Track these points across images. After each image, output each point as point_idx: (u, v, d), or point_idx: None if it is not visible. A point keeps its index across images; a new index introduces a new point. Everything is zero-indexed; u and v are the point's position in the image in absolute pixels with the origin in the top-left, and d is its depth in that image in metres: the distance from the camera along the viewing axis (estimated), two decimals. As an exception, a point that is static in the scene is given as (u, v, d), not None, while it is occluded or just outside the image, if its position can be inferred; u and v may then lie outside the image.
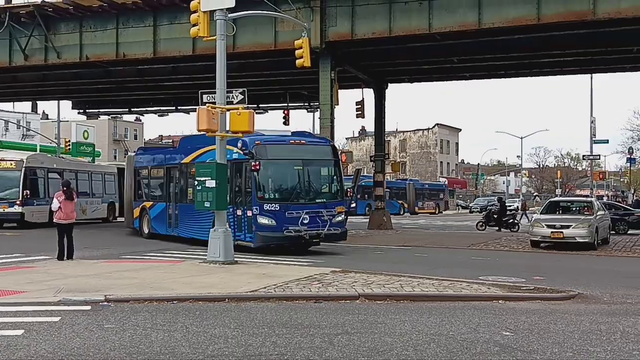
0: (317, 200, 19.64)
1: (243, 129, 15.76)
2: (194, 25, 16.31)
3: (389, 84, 35.20)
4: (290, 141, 19.91)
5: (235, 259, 15.65)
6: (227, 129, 15.92)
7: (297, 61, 19.26)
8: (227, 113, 15.89)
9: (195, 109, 16.43)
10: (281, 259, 17.43)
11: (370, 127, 35.82)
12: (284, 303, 10.61)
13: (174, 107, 43.52)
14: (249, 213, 18.80)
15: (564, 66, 32.05)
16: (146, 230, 25.22)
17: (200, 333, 8.22)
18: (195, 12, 16.16)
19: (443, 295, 11.32)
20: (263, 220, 18.51)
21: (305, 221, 18.78)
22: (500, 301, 11.14)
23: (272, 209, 18.60)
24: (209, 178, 15.57)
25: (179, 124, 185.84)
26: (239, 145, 18.75)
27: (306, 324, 8.87)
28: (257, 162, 18.41)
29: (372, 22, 25.23)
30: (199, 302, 10.52)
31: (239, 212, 19.25)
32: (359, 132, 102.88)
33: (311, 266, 15.56)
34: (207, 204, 15.68)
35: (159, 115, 46.41)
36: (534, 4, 22.71)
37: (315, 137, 22.56)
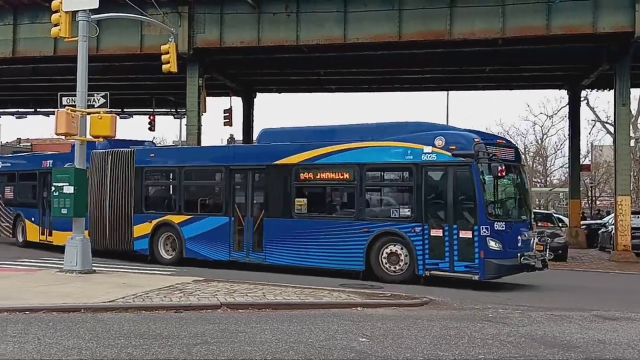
0: (523, 218, 15.93)
1: (104, 133, 15.31)
2: (56, 25, 15.68)
3: (258, 94, 35.39)
4: (497, 141, 16.20)
5: (94, 268, 15.15)
6: (88, 133, 15.41)
7: (164, 66, 18.95)
8: (88, 117, 15.37)
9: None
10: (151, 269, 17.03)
11: (239, 135, 35.80)
12: (143, 313, 10.40)
13: (33, 110, 41.54)
14: (466, 234, 14.44)
15: (424, 83, 33.59)
16: (168, 256, 18.89)
17: (53, 344, 7.91)
18: (57, 12, 15.54)
19: (304, 303, 11.53)
20: (493, 244, 14.34)
21: (519, 244, 15.07)
22: (358, 308, 11.49)
23: (501, 229, 14.51)
24: (67, 184, 15.01)
25: (38, 127, 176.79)
26: (438, 143, 14.77)
27: (165, 334, 8.76)
28: (496, 167, 14.26)
29: (241, 31, 25.27)
30: (53, 313, 10.12)
31: (436, 233, 14.84)
32: (227, 140, 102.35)
33: (173, 275, 15.33)
34: (64, 211, 15.11)
35: (17, 117, 44.16)
36: (395, 22, 23.62)
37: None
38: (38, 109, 41.56)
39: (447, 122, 44.11)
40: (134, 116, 41.65)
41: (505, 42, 23.90)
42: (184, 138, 37.40)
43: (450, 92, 39.33)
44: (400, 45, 25.12)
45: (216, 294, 11.96)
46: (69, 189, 14.97)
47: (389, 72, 30.76)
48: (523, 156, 68.17)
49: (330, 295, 12.42)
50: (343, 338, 8.80)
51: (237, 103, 34.60)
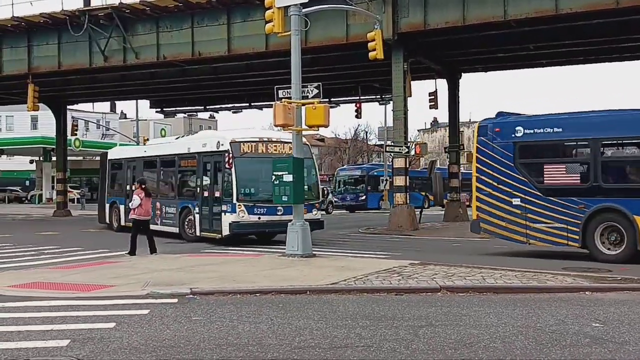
0: None
1: (319, 122, 15.84)
2: (269, 21, 16.47)
3: (463, 74, 34.66)
4: None
5: (314, 252, 15.77)
6: (303, 123, 16.05)
7: (370, 54, 19.23)
8: (303, 108, 16.00)
9: (269, 104, 16.75)
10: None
11: (442, 118, 35.56)
12: (365, 295, 10.63)
13: (247, 104, 44.02)
14: None
15: (646, 50, 30.84)
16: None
17: (285, 325, 8.33)
18: (269, 8, 16.32)
19: (527, 287, 11.10)
20: None
21: None
22: (586, 292, 10.85)
23: None
24: (286, 172, 15.77)
25: (252, 121, 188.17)
26: None
27: (389, 316, 8.87)
28: None
29: (445, 11, 24.87)
30: (281, 295, 10.66)
31: None
32: (431, 123, 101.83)
33: (389, 259, 15.53)
34: (284, 198, 15.91)
35: (232, 112, 47.08)
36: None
37: None
38: (252, 103, 44.00)
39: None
40: (340, 105, 42.72)
41: None
42: (389, 123, 37.74)
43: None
44: (619, 12, 23.22)
45: (434, 277, 11.91)
46: (288, 178, 15.70)
47: (607, 41, 28.50)
48: None
49: (555, 279, 11.86)
50: (574, 323, 8.35)
51: (441, 85, 34.22)
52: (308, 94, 17.00)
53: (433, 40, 28.38)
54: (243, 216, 19.41)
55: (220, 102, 45.29)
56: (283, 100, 16.46)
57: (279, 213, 19.08)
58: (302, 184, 16.43)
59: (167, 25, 30.05)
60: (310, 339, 7.57)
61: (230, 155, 19.69)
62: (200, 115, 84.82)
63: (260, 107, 44.05)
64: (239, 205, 19.41)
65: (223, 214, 19.89)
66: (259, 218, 19.66)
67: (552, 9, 23.13)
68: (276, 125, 16.14)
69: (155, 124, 56.33)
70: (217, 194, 20.45)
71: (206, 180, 21.41)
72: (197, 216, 21.10)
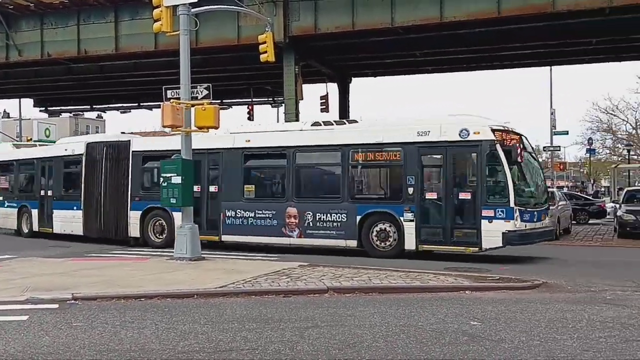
0: None
1: (208, 124, 15.67)
2: (157, 20, 16.11)
3: (353, 78, 35.32)
4: None
5: (203, 255, 15.57)
6: (192, 124, 15.82)
7: (261, 56, 19.16)
8: (192, 109, 15.77)
9: (158, 105, 16.32)
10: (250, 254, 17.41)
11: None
12: (253, 298, 10.59)
13: (136, 104, 43.09)
14: None
15: (524, 59, 32.52)
16: None
17: (170, 329, 8.17)
18: (157, 7, 15.97)
19: (411, 287, 11.42)
20: None
21: None
22: (467, 292, 11.28)
23: None
24: (175, 174, 15.48)
25: (141, 121, 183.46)
26: None
27: (276, 318, 8.88)
28: None
29: (335, 16, 25.27)
30: (167, 299, 10.44)
31: None
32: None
33: (279, 261, 15.56)
34: (172, 200, 15.61)
35: (121, 112, 45.97)
36: (494, -2, 22.98)
37: None
38: (141, 103, 43.02)
39: (551, 99, 42.72)
40: (232, 106, 42.48)
41: (613, 11, 22.75)
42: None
43: (553, 67, 37.90)
44: (499, 22, 24.43)
45: (322, 279, 12.04)
46: (177, 179, 15.43)
47: (488, 49, 29.92)
48: (634, 131, 65.48)
49: (437, 279, 12.26)
50: (454, 321, 8.65)
51: (332, 89, 34.71)
52: (198, 94, 16.85)
53: (324, 45, 28.75)
54: (517, 224, 15.41)
55: (108, 101, 44.08)
56: (172, 100, 16.16)
57: (541, 219, 16.44)
58: (191, 186, 16.19)
59: (52, 22, 28.97)
60: (195, 343, 7.46)
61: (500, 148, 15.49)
62: (87, 115, 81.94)
63: (150, 108, 43.18)
64: (516, 210, 15.36)
65: (487, 221, 15.44)
66: (526, 225, 15.83)
67: (437, 17, 23.99)
68: (164, 126, 15.83)
69: (39, 124, 53.83)
70: (464, 196, 15.95)
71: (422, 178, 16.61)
72: (406, 224, 16.40)
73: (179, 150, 16.19)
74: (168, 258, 15.66)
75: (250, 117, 39.70)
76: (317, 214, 17.45)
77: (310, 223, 17.51)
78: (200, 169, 18.69)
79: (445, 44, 28.83)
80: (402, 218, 16.39)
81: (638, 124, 64.07)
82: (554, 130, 47.00)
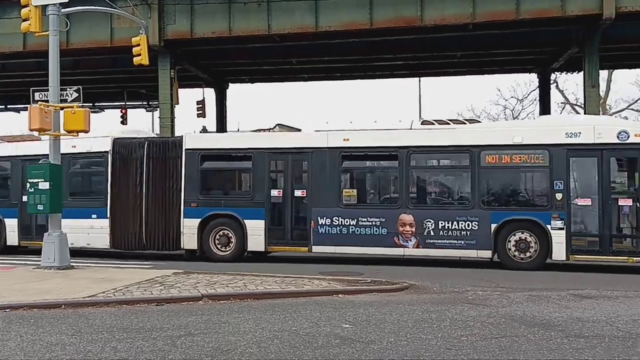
0: None
1: (78, 127, 15.16)
2: (25, 20, 15.44)
3: (230, 84, 35.23)
4: None
5: (72, 264, 15.04)
6: (61, 128, 15.25)
7: (135, 59, 18.76)
8: (61, 112, 15.21)
9: (27, 107, 15.59)
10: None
11: (212, 127, 35.64)
12: (124, 307, 10.36)
13: (3, 106, 40.89)
14: None
15: (396, 69, 33.67)
16: None
17: (36, 341, 7.86)
18: (26, 6, 15.30)
19: (285, 292, 11.57)
20: None
21: None
22: (340, 295, 11.57)
23: None
24: (42, 180, 14.87)
25: (9, 124, 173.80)
26: None
27: (148, 327, 8.75)
28: None
29: (212, 21, 25.15)
30: (33, 310, 10.04)
31: None
32: (200, 132, 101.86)
33: (152, 268, 15.28)
34: (40, 207, 14.98)
35: (-14, 115, 43.38)
36: (366, 9, 23.74)
37: None
38: (8, 106, 40.93)
39: (420, 109, 44.42)
40: (105, 110, 41.21)
41: (475, 27, 24.12)
42: (157, 130, 37.13)
43: (422, 78, 39.48)
44: (372, 33, 25.21)
45: (197, 286, 11.95)
46: (44, 185, 14.82)
47: (361, 59, 30.80)
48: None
49: (311, 284, 12.48)
50: (327, 325, 8.86)
51: (210, 94, 34.47)
52: (67, 97, 16.23)
53: (201, 49, 28.54)
54: None
55: (-28, 103, 41.50)
56: (40, 103, 15.50)
57: None
58: (60, 192, 15.59)
59: None
60: (62, 354, 7.23)
61: None
62: (-55, 115, 76.86)
63: (17, 110, 41.19)
64: None
65: None
66: None
67: (313, 25, 24.44)
68: (31, 130, 15.16)
69: None
70: (624, 202, 15.08)
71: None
72: (555, 233, 15.18)
73: (246, 148, 16.70)
74: (35, 267, 15.00)
75: (124, 121, 38.64)
76: (440, 222, 15.95)
77: (432, 231, 15.97)
78: (284, 170, 17.42)
79: (321, 53, 29.39)
80: (549, 226, 15.22)
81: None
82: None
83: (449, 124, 16.93)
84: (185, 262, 16.84)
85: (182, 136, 18.50)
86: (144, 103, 39.94)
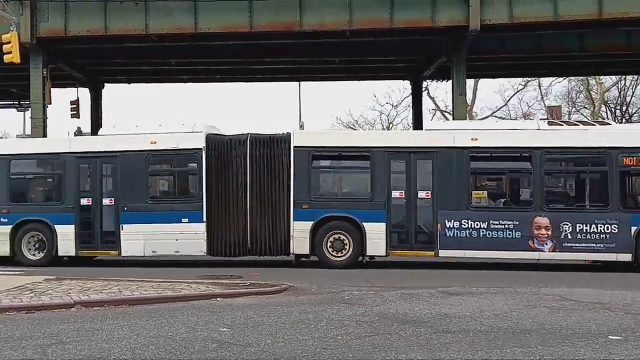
0: None
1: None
2: None
3: (106, 84, 34.18)
4: None
5: None
6: None
7: (6, 57, 18.00)
8: None
9: None
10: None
11: (87, 128, 34.44)
12: (-9, 317, 9.90)
13: None
14: None
15: (276, 73, 33.89)
16: None
17: None
18: None
19: (162, 297, 11.43)
20: None
21: None
22: (218, 299, 11.57)
23: None
24: None
25: None
26: None
27: (17, 335, 8.42)
28: None
29: (87, 19, 24.33)
30: None
31: None
32: (75, 133, 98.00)
33: (23, 275, 14.63)
34: None
35: None
36: (246, 13, 23.76)
37: None
38: None
39: (300, 113, 44.92)
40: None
41: (352, 34, 24.71)
42: (28, 131, 35.47)
43: (302, 82, 39.97)
44: (252, 36, 25.27)
45: (69, 292, 11.60)
46: None
47: (242, 62, 30.76)
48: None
49: (189, 288, 12.40)
50: (204, 329, 8.86)
51: (85, 94, 33.28)
52: None
53: (75, 48, 27.49)
54: None
55: None
56: None
57: None
58: None
59: None
60: None
61: None
62: None
63: None
64: None
65: None
66: None
67: (192, 26, 24.20)
68: None
69: None
70: None
71: None
72: None
73: (363, 146, 15.98)
74: None
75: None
76: (578, 225, 15.60)
77: (569, 235, 15.56)
78: (405, 170, 16.54)
79: (201, 55, 29.10)
80: None
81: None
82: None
83: (577, 125, 16.90)
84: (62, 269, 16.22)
85: (289, 132, 17.17)
86: (15, 103, 38.06)
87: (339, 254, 16.50)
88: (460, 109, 25.45)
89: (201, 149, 16.89)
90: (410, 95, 37.02)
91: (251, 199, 16.80)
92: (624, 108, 49.09)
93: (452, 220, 15.99)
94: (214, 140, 17.22)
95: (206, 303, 11.18)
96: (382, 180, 16.45)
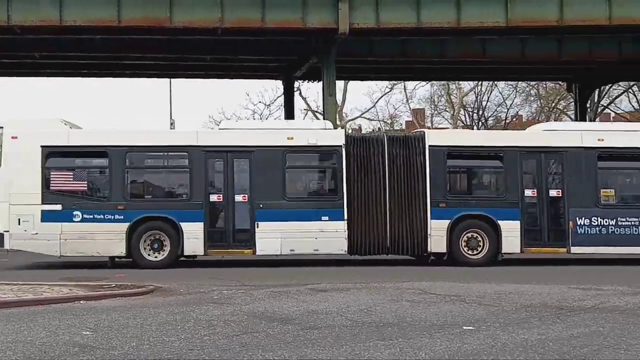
0: None
1: None
2: None
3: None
4: None
5: None
6: None
7: None
8: None
9: None
10: None
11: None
12: None
13: None
14: None
15: (146, 69, 33.12)
16: None
17: None
18: None
19: (22, 301, 10.93)
20: None
21: None
22: (81, 301, 11.21)
23: None
24: None
25: None
26: None
27: None
28: None
29: None
30: None
31: None
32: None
33: None
34: None
35: None
36: (114, 7, 23.12)
37: None
38: None
39: (171, 110, 44.18)
40: None
41: (224, 32, 24.58)
42: None
43: (173, 79, 39.33)
44: (121, 31, 24.58)
45: None
46: None
47: (110, 57, 29.84)
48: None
49: (51, 290, 11.95)
50: (65, 333, 8.57)
51: None
52: None
53: None
54: None
55: None
56: None
57: None
58: None
59: None
60: None
61: None
62: None
63: None
64: None
65: None
66: None
67: (57, 19, 23.23)
68: None
69: None
70: None
71: None
72: None
73: (497, 146, 16.72)
74: None
75: None
76: None
77: None
78: (536, 169, 17.27)
79: (67, 48, 27.96)
80: None
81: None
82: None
83: None
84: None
85: (423, 132, 17.58)
86: None
87: (474, 252, 17.06)
88: (331, 110, 26.00)
89: (341, 146, 16.93)
90: (283, 95, 37.36)
91: (389, 197, 16.90)
92: (480, 112, 52.10)
93: (583, 218, 16.94)
94: (354, 139, 17.64)
95: (69, 306, 10.80)
96: (515, 180, 17.20)
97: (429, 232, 16.84)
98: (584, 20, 24.17)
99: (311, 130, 17.45)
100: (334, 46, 24.96)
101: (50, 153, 16.39)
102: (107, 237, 16.28)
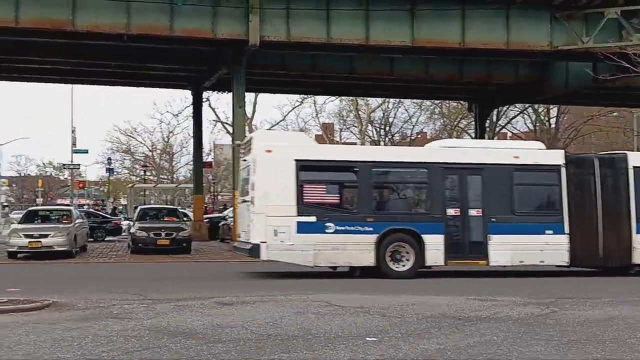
0: None
1: None
2: None
3: None
4: None
5: None
6: None
7: None
8: None
9: None
10: None
11: None
12: None
13: None
14: None
15: (46, 73, 32.01)
16: None
17: None
18: None
19: None
20: None
21: None
22: (-31, 318, 10.55)
23: None
24: None
25: None
26: None
27: None
28: None
29: None
30: None
31: None
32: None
33: None
34: None
35: None
36: (12, 6, 22.12)
37: None
38: None
39: (72, 117, 42.81)
40: None
41: (131, 39, 23.96)
42: None
43: (75, 85, 38.11)
44: (19, 32, 23.51)
45: None
46: None
47: (7, 59, 28.62)
48: (151, 154, 69.63)
49: None
50: (-51, 351, 8.03)
51: None
52: None
53: None
54: None
55: None
56: None
57: None
58: None
59: None
60: None
61: None
62: None
63: None
64: None
65: None
66: None
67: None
68: None
69: None
70: None
71: None
72: None
73: None
74: None
75: None
76: None
77: None
78: None
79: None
80: None
81: (154, 146, 68.84)
82: (74, 149, 47.35)
83: None
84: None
85: (625, 153, 19.06)
86: None
87: None
88: (240, 121, 25.83)
89: (561, 165, 18.03)
90: (192, 105, 36.85)
91: (602, 213, 18.02)
92: (387, 128, 53.17)
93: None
94: (571, 159, 18.63)
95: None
96: None
97: (633, 245, 18.00)
98: (485, 44, 25.17)
99: (534, 150, 18.65)
100: (244, 57, 24.84)
101: (303, 167, 16.79)
102: (357, 248, 16.78)
